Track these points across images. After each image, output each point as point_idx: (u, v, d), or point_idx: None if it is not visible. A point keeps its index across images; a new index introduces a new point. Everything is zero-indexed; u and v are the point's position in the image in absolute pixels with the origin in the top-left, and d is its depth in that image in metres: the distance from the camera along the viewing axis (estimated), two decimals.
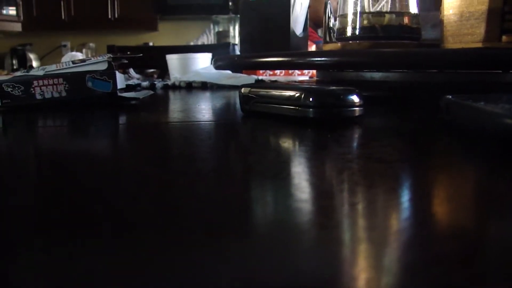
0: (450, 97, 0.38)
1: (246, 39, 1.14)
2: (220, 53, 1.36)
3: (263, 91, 0.45)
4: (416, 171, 0.25)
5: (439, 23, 0.65)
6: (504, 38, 0.55)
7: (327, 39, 0.83)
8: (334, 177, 0.24)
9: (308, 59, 0.65)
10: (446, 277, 0.13)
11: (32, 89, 0.58)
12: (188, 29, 4.17)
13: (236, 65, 0.88)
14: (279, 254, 0.14)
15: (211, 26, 2.37)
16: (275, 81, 1.13)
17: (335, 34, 0.76)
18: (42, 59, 4.04)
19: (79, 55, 1.62)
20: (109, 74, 0.59)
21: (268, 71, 1.21)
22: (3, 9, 3.89)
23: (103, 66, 0.59)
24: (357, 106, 0.40)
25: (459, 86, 0.57)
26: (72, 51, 3.47)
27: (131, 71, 1.28)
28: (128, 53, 1.46)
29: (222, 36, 2.27)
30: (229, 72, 1.04)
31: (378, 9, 0.69)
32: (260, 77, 1.11)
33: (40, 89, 0.58)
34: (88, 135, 0.42)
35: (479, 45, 0.56)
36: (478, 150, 0.31)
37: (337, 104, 0.40)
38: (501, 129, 0.28)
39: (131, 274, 0.13)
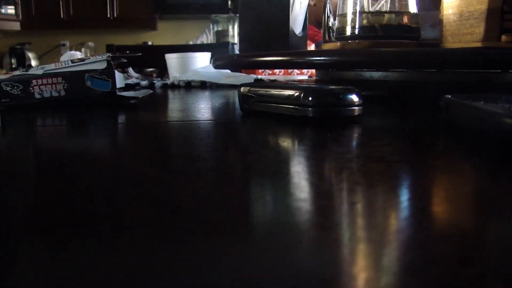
0: (450, 96, 0.38)
1: (245, 38, 1.14)
2: (219, 52, 1.36)
3: (262, 91, 0.45)
4: (415, 171, 0.25)
5: (438, 22, 0.65)
6: (503, 37, 0.55)
7: (327, 38, 0.83)
8: (334, 176, 0.24)
9: (307, 58, 0.65)
10: (445, 277, 0.13)
11: (31, 88, 0.58)
12: (187, 28, 4.17)
13: (235, 65, 0.88)
14: (278, 254, 0.14)
15: (211, 25, 2.37)
16: (274, 80, 1.13)
17: (334, 34, 0.76)
18: (41, 58, 4.04)
19: (78, 54, 1.62)
20: (108, 73, 0.59)
21: (267, 70, 1.21)
22: (2, 8, 3.89)
23: (102, 65, 0.59)
24: (356, 106, 0.40)
25: (459, 86, 0.57)
26: (71, 50, 3.47)
27: (130, 70, 1.28)
28: (127, 52, 1.46)
29: (221, 35, 2.26)
30: (228, 71, 1.04)
31: (377, 8, 0.69)
32: (259, 77, 1.11)
33: (39, 88, 0.58)
34: (87, 135, 0.42)
35: (479, 44, 0.56)
36: (478, 149, 0.31)
37: (336, 103, 0.40)
38: (500, 128, 0.28)
39: (130, 274, 0.13)
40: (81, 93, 0.58)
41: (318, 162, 0.28)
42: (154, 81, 1.07)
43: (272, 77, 1.19)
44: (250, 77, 1.04)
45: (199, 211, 0.18)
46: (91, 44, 4.25)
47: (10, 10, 3.97)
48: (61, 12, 4.13)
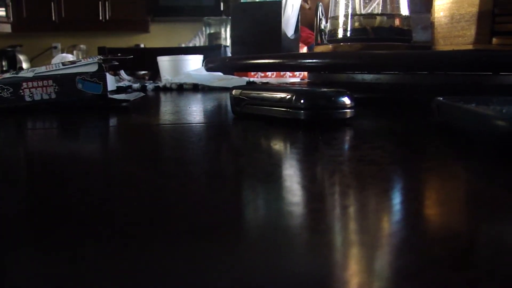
0: (441, 99, 0.38)
1: (237, 41, 1.14)
2: (212, 55, 1.36)
3: (254, 93, 0.45)
4: (407, 173, 0.25)
5: (430, 25, 0.65)
6: (494, 40, 0.55)
7: (319, 40, 0.83)
8: (326, 179, 0.24)
9: (299, 61, 0.65)
10: (439, 281, 0.12)
11: (21, 91, 0.57)
12: (179, 30, 4.17)
13: (227, 67, 0.88)
14: (270, 258, 0.14)
15: (203, 28, 2.37)
16: (267, 83, 1.13)
17: (326, 36, 0.76)
18: (32, 61, 4.02)
19: (70, 57, 1.61)
20: (99, 76, 0.58)
21: (259, 73, 1.21)
22: None
23: (93, 68, 0.59)
24: (348, 108, 0.40)
25: (450, 88, 0.57)
26: (62, 52, 3.45)
27: (122, 73, 1.27)
28: (119, 54, 1.45)
29: (214, 38, 2.26)
30: (220, 74, 1.04)
31: (369, 11, 0.69)
32: (251, 79, 1.11)
33: (30, 91, 0.57)
34: (78, 138, 0.41)
35: (470, 47, 0.56)
36: (469, 151, 0.31)
37: (328, 106, 0.40)
38: (492, 130, 0.28)
39: (121, 277, 0.13)
40: (72, 96, 0.58)
41: (310, 165, 0.28)
42: (146, 84, 1.06)
43: (264, 80, 1.19)
44: (242, 80, 1.03)
45: (190, 214, 0.18)
46: (83, 46, 4.24)
47: (1, 12, 3.95)
48: (53, 14, 4.12)
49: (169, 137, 0.39)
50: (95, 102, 0.59)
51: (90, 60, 0.60)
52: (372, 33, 0.68)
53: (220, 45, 1.87)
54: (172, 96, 0.86)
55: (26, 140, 0.40)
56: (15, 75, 0.59)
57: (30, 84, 0.57)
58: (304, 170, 0.26)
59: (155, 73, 1.36)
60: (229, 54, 1.53)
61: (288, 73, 1.24)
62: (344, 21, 0.70)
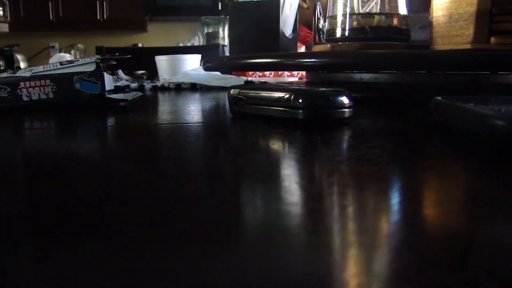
0: (440, 98, 0.38)
1: (235, 40, 1.14)
2: (210, 54, 1.35)
3: (252, 93, 0.45)
4: (406, 173, 0.25)
5: (428, 24, 0.65)
6: (492, 39, 0.55)
7: (317, 40, 0.83)
8: (324, 179, 0.24)
9: (298, 60, 0.65)
10: (438, 281, 0.12)
11: (18, 91, 0.57)
12: (177, 30, 4.17)
13: (226, 67, 0.88)
14: (270, 258, 0.14)
15: (201, 27, 2.37)
16: (265, 82, 1.13)
17: (324, 35, 0.76)
18: (29, 60, 4.01)
19: (67, 56, 1.61)
20: (97, 75, 0.58)
21: (257, 72, 1.21)
22: None
23: (91, 68, 0.58)
24: (346, 108, 0.40)
25: (449, 87, 0.57)
26: (60, 52, 3.44)
27: (120, 72, 1.27)
28: (117, 54, 1.45)
29: (212, 37, 2.26)
30: (218, 73, 1.03)
31: (367, 10, 0.69)
32: (249, 79, 1.11)
33: (27, 90, 0.57)
34: (76, 137, 0.41)
35: (468, 46, 0.56)
36: (468, 151, 0.31)
37: (326, 105, 0.40)
38: (490, 130, 0.28)
39: (121, 278, 0.13)
40: (70, 95, 0.58)
41: (309, 165, 0.28)
42: (144, 83, 1.06)
43: (263, 79, 1.19)
44: (240, 79, 1.03)
45: (188, 214, 0.18)
46: (80, 46, 4.23)
47: None
48: (50, 13, 4.11)
49: (167, 137, 0.39)
50: (93, 102, 0.59)
51: (88, 60, 0.60)
52: (370, 33, 0.68)
53: (218, 44, 1.87)
54: (170, 95, 0.86)
55: (24, 140, 0.40)
56: (13, 75, 0.59)
57: (27, 83, 0.57)
58: (302, 170, 0.26)
59: (153, 73, 1.35)
60: (227, 54, 1.53)
61: (286, 73, 1.24)
62: (342, 20, 0.70)
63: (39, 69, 0.59)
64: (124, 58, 0.80)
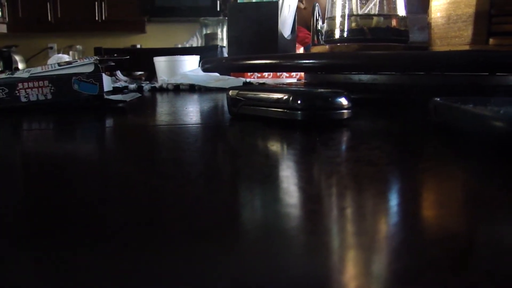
0: (439, 99, 0.38)
1: (234, 41, 1.14)
2: (208, 55, 1.35)
3: (251, 94, 0.45)
4: (405, 174, 0.25)
5: (426, 25, 0.65)
6: (491, 40, 0.55)
7: (316, 41, 0.83)
8: (323, 181, 0.24)
9: (296, 61, 0.65)
10: (438, 283, 0.12)
11: (16, 92, 0.57)
12: (176, 31, 4.17)
13: (224, 68, 0.88)
14: (269, 259, 0.14)
15: (200, 28, 2.37)
16: (263, 83, 1.13)
17: (323, 37, 0.76)
18: (28, 61, 4.01)
19: (66, 57, 1.61)
20: (95, 76, 0.58)
21: (256, 73, 1.21)
22: None
23: (89, 69, 0.58)
24: (345, 109, 0.40)
25: (447, 89, 0.57)
26: (58, 53, 3.44)
27: (119, 73, 1.27)
28: (115, 55, 1.45)
29: (210, 38, 2.26)
30: (217, 74, 1.03)
31: (366, 11, 0.69)
32: (248, 80, 1.11)
33: (25, 91, 0.57)
34: (74, 139, 0.41)
35: (467, 47, 0.56)
36: (467, 152, 0.31)
37: (325, 106, 0.40)
38: (489, 131, 0.28)
39: (121, 278, 0.13)
40: (68, 96, 0.58)
41: (307, 166, 0.27)
42: (143, 84, 1.06)
43: (261, 80, 1.19)
44: (239, 80, 1.03)
45: (189, 215, 0.18)
46: (79, 47, 4.23)
47: None
48: (49, 14, 4.10)
49: (165, 138, 0.39)
50: (91, 103, 0.59)
51: (86, 61, 0.59)
52: (369, 34, 0.68)
53: (217, 45, 1.87)
54: (169, 96, 0.85)
55: (22, 141, 0.40)
56: (11, 76, 0.58)
57: (25, 84, 0.57)
58: (301, 171, 0.26)
59: (151, 74, 1.35)
60: (225, 55, 1.53)
61: (285, 74, 1.24)
62: (341, 21, 0.70)
63: (37, 70, 0.59)
64: (123, 59, 0.79)
